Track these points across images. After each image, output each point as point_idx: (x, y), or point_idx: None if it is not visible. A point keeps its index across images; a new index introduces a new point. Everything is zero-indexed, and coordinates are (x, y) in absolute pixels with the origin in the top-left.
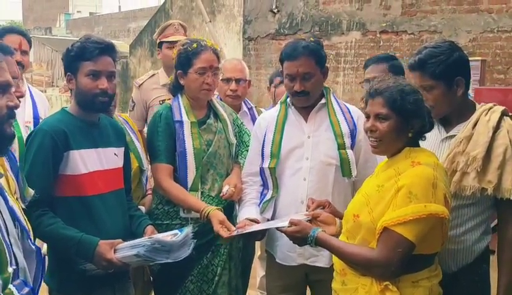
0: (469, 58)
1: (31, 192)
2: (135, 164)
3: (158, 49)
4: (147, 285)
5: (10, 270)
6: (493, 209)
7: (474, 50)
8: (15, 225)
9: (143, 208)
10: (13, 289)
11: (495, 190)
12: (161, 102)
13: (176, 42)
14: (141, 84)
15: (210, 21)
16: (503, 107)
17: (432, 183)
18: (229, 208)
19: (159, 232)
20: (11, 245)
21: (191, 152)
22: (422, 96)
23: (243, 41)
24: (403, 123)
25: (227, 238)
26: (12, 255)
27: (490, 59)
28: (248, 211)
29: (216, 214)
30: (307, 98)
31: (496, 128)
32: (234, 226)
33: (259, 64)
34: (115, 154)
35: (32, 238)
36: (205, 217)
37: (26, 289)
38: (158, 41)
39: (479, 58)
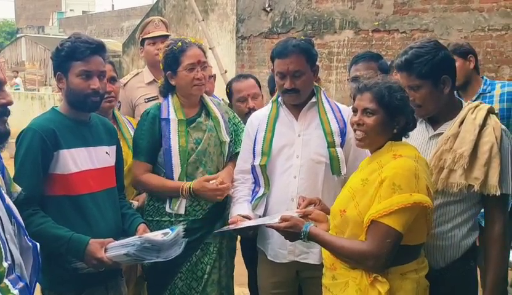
0: None
1: (18, 187)
2: (130, 159)
3: (141, 47)
4: (140, 280)
5: (5, 264)
6: (479, 205)
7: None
8: (11, 222)
9: (135, 203)
10: (8, 283)
11: (481, 187)
12: (146, 100)
13: (157, 37)
14: (126, 83)
15: (203, 20)
16: (489, 105)
17: (415, 174)
18: (221, 206)
19: (149, 228)
20: (7, 241)
21: (176, 150)
22: (407, 95)
23: (236, 40)
24: (389, 119)
25: (217, 232)
26: (8, 251)
27: (481, 58)
28: (240, 208)
29: (199, 182)
30: (297, 96)
31: (483, 125)
32: (226, 225)
33: (252, 62)
34: (106, 153)
35: (28, 235)
36: (187, 192)
37: (21, 284)
38: (140, 39)
39: None
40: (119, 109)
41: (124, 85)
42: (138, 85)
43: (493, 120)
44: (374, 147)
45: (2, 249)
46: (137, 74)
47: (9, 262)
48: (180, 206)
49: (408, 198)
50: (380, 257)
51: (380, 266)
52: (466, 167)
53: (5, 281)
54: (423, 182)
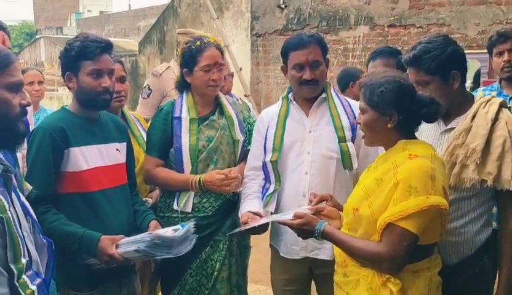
0: (478, 51)
1: (29, 185)
2: (141, 157)
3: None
4: (154, 277)
5: (24, 261)
6: (493, 201)
7: (483, 42)
8: (27, 219)
9: (150, 200)
10: (27, 279)
11: (494, 182)
12: None
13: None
14: (162, 73)
15: (218, 18)
16: (501, 99)
17: (431, 175)
18: (231, 204)
19: (161, 225)
20: (24, 238)
21: (186, 148)
22: (398, 87)
23: (251, 37)
24: (378, 115)
25: (231, 234)
26: (25, 247)
27: None
28: (250, 204)
29: (210, 174)
30: (315, 88)
31: (495, 119)
32: (237, 225)
33: (267, 60)
34: (117, 150)
35: (42, 233)
36: (197, 184)
37: (38, 280)
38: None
39: None
40: (147, 97)
41: (160, 75)
42: (171, 77)
43: (506, 114)
44: (378, 144)
45: (21, 246)
46: (168, 67)
47: (27, 259)
48: (187, 204)
49: (425, 200)
50: (395, 260)
51: (395, 268)
52: (478, 162)
53: (24, 277)
54: (439, 183)
